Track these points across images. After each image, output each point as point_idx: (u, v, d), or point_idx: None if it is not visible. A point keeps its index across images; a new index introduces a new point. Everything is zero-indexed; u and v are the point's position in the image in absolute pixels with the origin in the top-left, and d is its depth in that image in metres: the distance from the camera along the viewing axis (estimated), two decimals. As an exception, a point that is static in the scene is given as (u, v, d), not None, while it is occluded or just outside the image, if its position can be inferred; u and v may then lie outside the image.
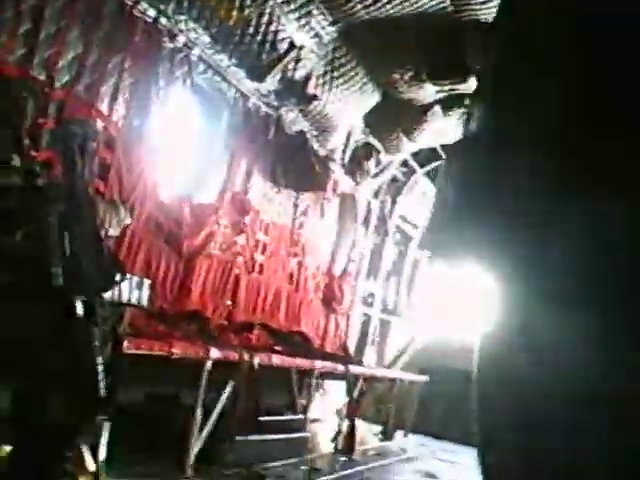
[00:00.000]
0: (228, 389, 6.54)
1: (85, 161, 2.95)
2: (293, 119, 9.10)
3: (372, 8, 8.24)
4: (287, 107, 8.90)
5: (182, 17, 6.98)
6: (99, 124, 6.25)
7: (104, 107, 6.36)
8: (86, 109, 6.10)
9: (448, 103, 10.44)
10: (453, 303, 14.55)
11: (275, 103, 8.74)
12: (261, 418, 7.32)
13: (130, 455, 5.22)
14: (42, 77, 5.72)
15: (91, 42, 6.14)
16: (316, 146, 9.58)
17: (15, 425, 3.00)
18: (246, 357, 6.63)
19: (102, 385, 2.63)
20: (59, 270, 2.61)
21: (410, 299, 13.77)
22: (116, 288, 4.95)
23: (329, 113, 9.46)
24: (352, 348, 11.73)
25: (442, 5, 7.98)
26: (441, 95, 10.17)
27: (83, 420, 3.00)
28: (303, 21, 8.32)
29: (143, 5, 6.55)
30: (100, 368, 2.62)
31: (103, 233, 4.05)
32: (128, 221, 6.40)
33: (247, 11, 7.62)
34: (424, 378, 11.54)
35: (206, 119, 8.12)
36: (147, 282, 5.94)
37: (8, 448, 3.90)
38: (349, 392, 8.95)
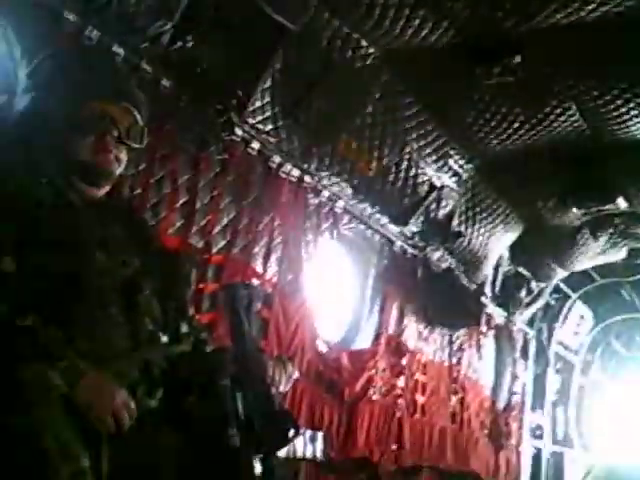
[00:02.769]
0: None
1: (251, 322, 3.01)
2: (439, 257, 9.19)
3: (507, 142, 8.35)
4: (432, 246, 9.03)
5: (324, 173, 7.33)
6: (256, 283, 6.57)
7: (258, 266, 6.66)
8: (242, 270, 6.42)
9: (597, 224, 10.24)
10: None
11: (420, 244, 8.89)
12: None
13: None
14: (200, 245, 6.10)
15: (242, 207, 6.53)
16: (465, 281, 9.60)
17: None
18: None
19: None
20: (235, 431, 2.63)
21: (581, 428, 13.12)
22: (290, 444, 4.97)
23: (475, 248, 9.51)
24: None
25: (578, 129, 7.93)
26: (589, 217, 10.00)
27: None
28: (441, 162, 8.54)
29: (287, 167, 6.92)
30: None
31: (274, 390, 4.08)
32: (296, 375, 6.58)
33: (386, 160, 7.93)
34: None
35: (354, 267, 8.35)
36: (320, 434, 6.01)
37: None
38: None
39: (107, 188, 3.05)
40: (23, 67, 3.39)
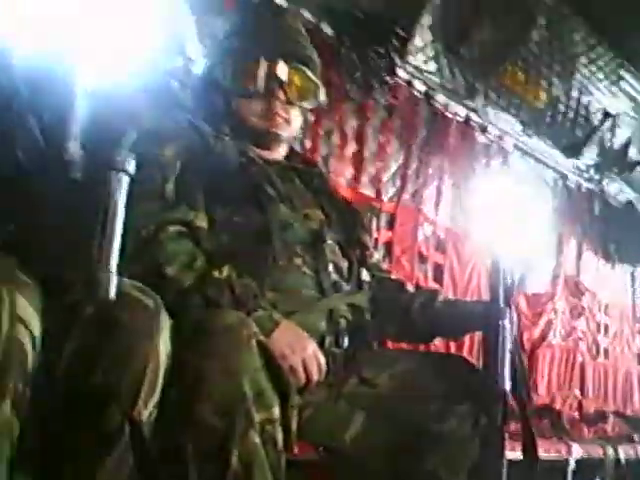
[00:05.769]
0: (595, 487, 6.12)
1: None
2: (617, 190, 8.67)
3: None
4: (609, 179, 8.52)
5: (491, 110, 7.01)
6: (427, 229, 6.40)
7: (430, 211, 6.46)
8: (414, 216, 6.24)
9: None
10: None
11: (596, 177, 8.41)
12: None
13: None
14: (371, 193, 5.97)
15: (410, 151, 6.35)
16: (649, 213, 9.03)
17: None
18: (610, 452, 6.18)
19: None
20: None
21: None
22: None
23: (657, 176, 8.91)
24: None
25: None
26: None
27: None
28: (615, 87, 8.00)
29: (453, 106, 6.66)
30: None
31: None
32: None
33: (555, 90, 7.49)
34: None
35: (527, 205, 7.95)
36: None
37: None
38: None
39: (283, 149, 3.07)
40: (195, 31, 3.34)
